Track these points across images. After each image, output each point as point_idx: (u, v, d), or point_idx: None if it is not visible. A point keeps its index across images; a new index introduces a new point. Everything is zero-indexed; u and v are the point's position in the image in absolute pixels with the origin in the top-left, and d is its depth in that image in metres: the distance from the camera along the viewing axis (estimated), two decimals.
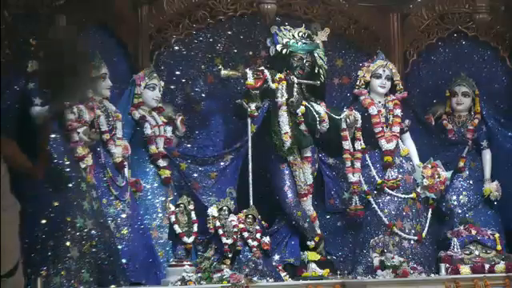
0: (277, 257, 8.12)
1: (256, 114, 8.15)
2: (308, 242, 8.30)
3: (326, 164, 8.67)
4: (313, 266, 8.17)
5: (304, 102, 8.43)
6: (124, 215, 7.43)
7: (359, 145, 8.46)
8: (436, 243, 8.63)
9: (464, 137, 9.02)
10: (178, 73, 8.65)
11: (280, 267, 7.94)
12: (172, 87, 8.58)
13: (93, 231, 6.73)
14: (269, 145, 8.28)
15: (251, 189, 8.05)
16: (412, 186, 8.55)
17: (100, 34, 8.04)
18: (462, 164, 8.94)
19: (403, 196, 8.48)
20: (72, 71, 4.60)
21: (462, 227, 8.61)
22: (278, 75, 8.30)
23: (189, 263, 7.38)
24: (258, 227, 7.78)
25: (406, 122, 8.77)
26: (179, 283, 7.13)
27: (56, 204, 6.57)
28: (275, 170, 8.31)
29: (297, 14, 8.97)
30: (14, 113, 6.39)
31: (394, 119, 8.64)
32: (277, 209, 8.37)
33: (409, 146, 8.77)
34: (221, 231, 7.58)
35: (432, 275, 8.16)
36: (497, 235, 8.58)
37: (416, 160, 8.71)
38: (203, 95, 8.65)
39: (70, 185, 6.71)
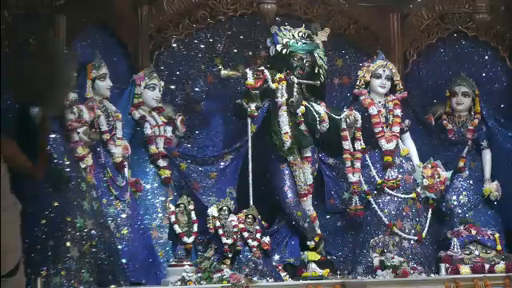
0: (277, 257, 8.12)
1: (256, 114, 8.15)
2: (308, 242, 8.31)
3: (325, 164, 8.67)
4: (313, 265, 8.17)
5: (304, 102, 8.43)
6: (124, 215, 7.43)
7: (359, 145, 8.46)
8: (436, 243, 8.62)
9: (464, 137, 9.02)
10: (178, 73, 8.65)
11: (280, 267, 7.94)
12: (172, 87, 8.59)
13: (93, 231, 6.73)
14: (269, 145, 8.28)
15: (251, 189, 8.05)
16: (412, 186, 8.55)
17: (100, 34, 8.04)
18: (461, 164, 8.94)
19: (403, 196, 8.48)
20: (47, 84, 4.57)
21: (461, 227, 8.61)
22: (278, 75, 8.30)
23: (189, 263, 7.38)
24: (258, 227, 7.78)
25: (406, 122, 8.77)
26: (179, 283, 7.13)
27: (56, 204, 6.57)
28: (275, 170, 8.31)
29: (297, 13, 8.97)
30: (13, 113, 6.38)
31: (394, 119, 8.64)
32: (277, 209, 8.37)
33: (409, 146, 8.77)
34: (221, 231, 7.58)
35: (432, 275, 8.16)
36: (497, 235, 8.58)
37: (416, 160, 8.71)
38: (203, 95, 8.64)
39: (70, 185, 6.71)
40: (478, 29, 9.42)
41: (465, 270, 8.17)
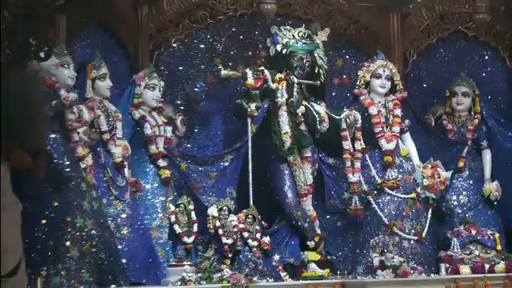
0: (277, 257, 8.12)
1: (256, 114, 8.15)
2: (308, 242, 8.30)
3: (326, 164, 8.67)
4: (313, 265, 8.17)
5: (304, 102, 8.43)
6: (124, 215, 7.43)
7: (359, 145, 8.46)
8: (436, 243, 8.62)
9: (464, 137, 9.02)
10: (177, 73, 8.65)
11: (280, 267, 7.94)
12: (172, 87, 8.58)
13: (93, 231, 6.73)
14: (269, 145, 8.28)
15: (251, 189, 8.05)
16: (412, 185, 8.55)
17: (100, 34, 8.04)
18: (461, 164, 8.93)
19: (403, 196, 8.48)
20: (27, 122, 4.53)
21: (461, 227, 8.61)
22: (278, 75, 8.30)
23: (189, 263, 7.38)
24: (258, 227, 7.78)
25: (406, 122, 8.77)
26: (179, 283, 7.12)
27: (56, 204, 6.57)
28: (275, 170, 8.31)
29: (297, 13, 8.97)
30: None
31: (394, 119, 8.64)
32: (277, 209, 8.37)
33: (409, 146, 8.77)
34: (221, 231, 7.58)
35: (432, 275, 8.16)
36: (497, 235, 8.58)
37: (416, 160, 8.71)
38: (203, 95, 8.65)
39: (70, 185, 6.71)
40: (478, 29, 9.42)
41: (465, 270, 8.17)
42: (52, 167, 6.58)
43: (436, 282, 7.93)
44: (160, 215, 7.82)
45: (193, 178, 8.07)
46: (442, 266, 8.18)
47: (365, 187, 8.45)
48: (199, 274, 7.19)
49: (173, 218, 7.51)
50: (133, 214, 7.50)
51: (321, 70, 8.55)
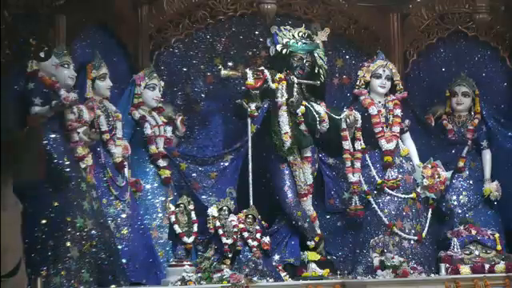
0: (277, 257, 8.12)
1: (256, 114, 8.15)
2: (308, 242, 8.30)
3: (326, 164, 8.67)
4: (313, 266, 8.17)
5: (304, 102, 8.43)
6: (124, 215, 7.43)
7: (359, 145, 8.46)
8: (436, 243, 8.62)
9: (464, 137, 9.02)
10: (178, 73, 8.65)
11: (280, 267, 7.94)
12: (172, 87, 8.58)
13: (93, 231, 6.73)
14: (269, 145, 8.28)
15: (251, 189, 8.05)
16: (412, 185, 8.55)
17: (100, 34, 8.05)
18: (461, 164, 8.93)
19: (403, 196, 8.48)
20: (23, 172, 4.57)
21: (461, 227, 8.61)
22: (278, 75, 8.30)
23: (189, 263, 7.38)
24: (258, 227, 7.78)
25: (406, 122, 8.77)
26: (179, 283, 7.12)
27: (56, 204, 6.58)
28: (275, 170, 8.31)
29: (297, 13, 8.97)
30: None
31: (394, 119, 8.64)
32: (277, 209, 8.37)
33: (409, 146, 8.77)
34: (221, 231, 7.58)
35: (432, 275, 8.16)
36: (497, 235, 8.58)
37: (416, 160, 8.71)
38: (203, 95, 8.65)
39: (70, 185, 6.71)
40: (478, 29, 9.43)
41: (465, 269, 8.17)
42: (52, 167, 6.58)
43: (436, 282, 7.93)
44: (160, 215, 7.82)
45: (193, 178, 8.08)
46: (442, 266, 8.18)
47: (365, 187, 8.45)
48: (199, 274, 7.19)
49: (173, 218, 7.51)
50: (133, 214, 7.50)
51: (321, 70, 8.55)
